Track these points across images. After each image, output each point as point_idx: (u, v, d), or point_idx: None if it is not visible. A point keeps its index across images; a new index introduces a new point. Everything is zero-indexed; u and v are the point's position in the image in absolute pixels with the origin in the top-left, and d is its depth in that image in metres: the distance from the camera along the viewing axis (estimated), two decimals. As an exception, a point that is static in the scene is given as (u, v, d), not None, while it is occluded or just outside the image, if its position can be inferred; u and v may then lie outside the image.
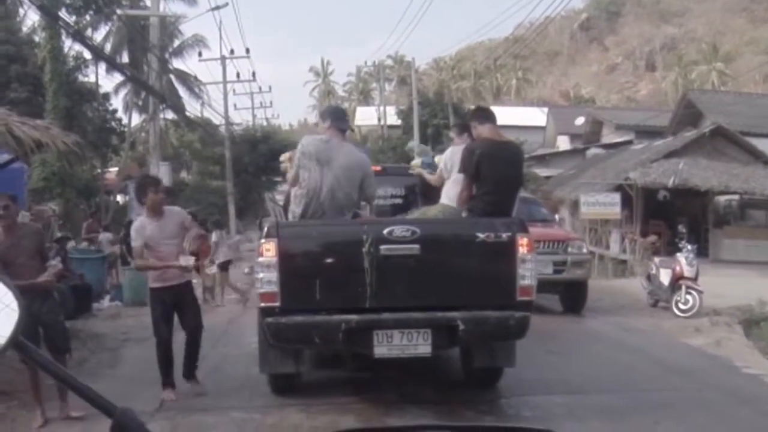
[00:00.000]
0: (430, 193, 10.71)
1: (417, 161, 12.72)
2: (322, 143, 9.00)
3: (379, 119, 64.98)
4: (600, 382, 10.53)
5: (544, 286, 13.90)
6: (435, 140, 42.96)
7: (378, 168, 11.70)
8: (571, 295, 17.46)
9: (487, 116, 9.82)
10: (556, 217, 18.65)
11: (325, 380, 10.61)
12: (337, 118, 9.41)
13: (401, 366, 9.64)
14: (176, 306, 9.93)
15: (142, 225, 9.91)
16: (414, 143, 15.22)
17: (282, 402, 9.38)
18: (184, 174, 58.29)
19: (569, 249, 17.35)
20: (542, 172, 43.70)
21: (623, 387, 10.31)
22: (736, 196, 32.08)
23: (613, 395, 9.89)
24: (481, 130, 9.50)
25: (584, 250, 18.11)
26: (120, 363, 12.14)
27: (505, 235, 8.41)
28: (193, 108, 54.77)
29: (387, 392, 9.69)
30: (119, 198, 39.07)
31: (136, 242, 9.87)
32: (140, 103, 45.21)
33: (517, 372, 9.73)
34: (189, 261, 9.96)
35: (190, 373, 10.16)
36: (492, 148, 9.45)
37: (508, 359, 9.43)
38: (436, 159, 11.64)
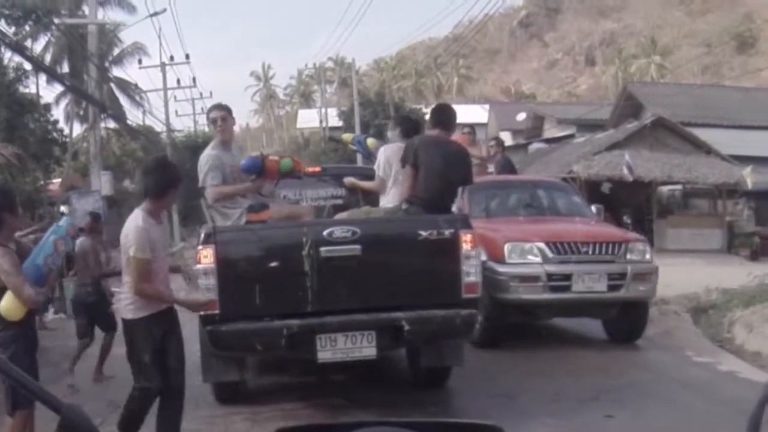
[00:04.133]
0: (370, 197, 10.54)
1: (348, 136, 12.58)
2: None
3: (321, 121, 65.02)
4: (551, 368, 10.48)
5: (592, 308, 12.45)
6: (378, 140, 42.91)
7: (317, 168, 11.56)
8: (628, 320, 12.47)
9: (437, 121, 9.91)
10: (593, 208, 14.40)
11: (270, 387, 10.42)
12: None
13: (348, 369, 9.50)
14: (162, 340, 7.45)
15: (144, 227, 7.12)
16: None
17: (227, 411, 9.18)
18: (127, 183, 57.70)
19: (629, 255, 12.11)
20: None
21: (572, 377, 10.24)
22: (679, 186, 32.36)
23: (561, 386, 9.82)
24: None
25: (648, 256, 12.52)
26: (66, 377, 11.84)
27: (447, 232, 8.28)
28: (134, 116, 54.37)
29: (334, 396, 9.55)
30: (63, 208, 38.56)
31: (142, 253, 7.03)
32: (81, 113, 44.70)
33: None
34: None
35: None
36: (432, 140, 9.57)
37: (457, 358, 9.33)
38: (369, 142, 11.51)
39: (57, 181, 42.24)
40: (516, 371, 10.75)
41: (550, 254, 11.77)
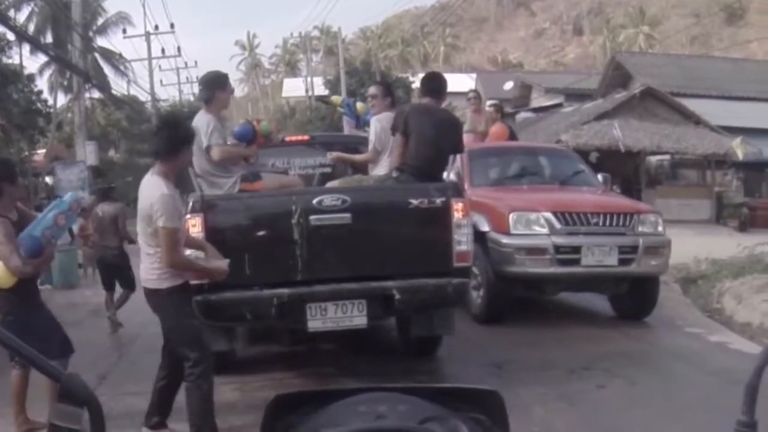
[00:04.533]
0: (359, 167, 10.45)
1: (337, 98, 12.44)
2: None
3: (306, 90, 64.86)
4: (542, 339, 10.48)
5: (601, 283, 11.97)
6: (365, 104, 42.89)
7: (306, 137, 11.46)
8: (637, 296, 11.98)
9: (428, 90, 9.84)
10: (600, 177, 13.87)
11: (260, 356, 10.38)
12: None
13: (338, 338, 9.45)
14: None
15: (170, 194, 6.81)
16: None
17: (217, 381, 8.96)
18: (112, 152, 57.52)
19: (640, 227, 11.54)
20: (472, 137, 43.71)
21: (563, 347, 10.26)
22: (668, 156, 32.37)
23: (552, 355, 9.85)
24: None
25: (660, 229, 11.84)
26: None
27: (439, 201, 8.20)
28: (119, 86, 54.28)
29: (324, 365, 9.54)
30: (48, 179, 38.40)
31: (172, 222, 6.74)
32: (66, 83, 44.48)
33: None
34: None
35: (164, 416, 7.75)
36: (422, 108, 9.56)
37: (447, 327, 9.24)
38: (358, 106, 11.42)
39: (42, 152, 42.18)
40: (505, 341, 10.77)
41: (557, 225, 11.22)
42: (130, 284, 13.58)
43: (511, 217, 11.30)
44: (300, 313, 7.95)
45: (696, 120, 32.39)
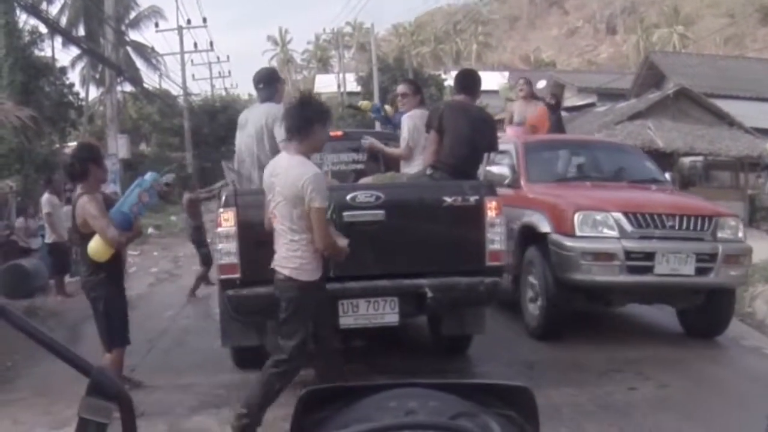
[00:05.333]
0: (391, 163, 10.43)
1: (367, 103, 12.47)
2: None
3: (339, 86, 64.95)
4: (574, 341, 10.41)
5: (675, 294, 10.77)
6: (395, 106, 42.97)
7: (339, 133, 11.42)
8: (711, 310, 10.75)
9: (462, 87, 9.72)
10: (667, 175, 12.74)
11: (290, 352, 10.34)
12: None
13: (370, 335, 9.42)
14: None
15: (322, 176, 7.01)
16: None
17: (246, 376, 9.07)
18: (143, 146, 57.87)
19: (719, 233, 10.32)
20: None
21: (595, 347, 10.24)
22: (701, 158, 32.13)
23: (582, 357, 9.83)
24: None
25: (741, 235, 10.62)
26: (81, 340, 11.84)
27: (472, 199, 8.18)
28: (151, 80, 54.56)
29: (355, 362, 9.47)
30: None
31: (324, 203, 6.68)
32: (97, 76, 44.93)
33: None
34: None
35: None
36: (457, 105, 9.49)
37: (478, 326, 9.29)
38: (387, 109, 11.45)
39: (73, 144, 42.40)
40: (536, 341, 10.67)
41: (628, 227, 10.01)
42: (205, 261, 15.52)
43: (577, 216, 10.14)
44: (332, 310, 7.92)
45: (730, 121, 32.21)
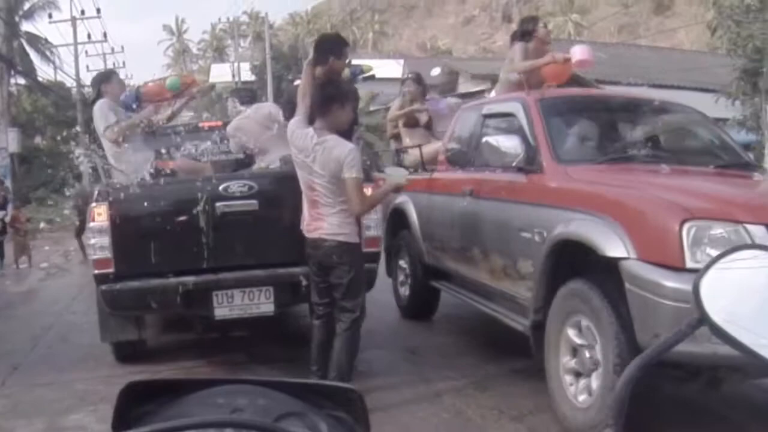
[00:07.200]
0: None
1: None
2: None
3: (233, 76, 64.59)
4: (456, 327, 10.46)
5: None
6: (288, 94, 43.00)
7: (219, 123, 11.32)
8: None
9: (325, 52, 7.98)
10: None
11: (171, 345, 10.30)
12: None
13: (250, 326, 9.42)
14: None
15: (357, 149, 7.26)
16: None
17: (127, 370, 9.04)
18: (38, 139, 56.80)
19: None
20: (399, 122, 43.84)
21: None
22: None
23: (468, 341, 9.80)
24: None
25: None
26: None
27: None
28: (45, 72, 53.51)
29: (235, 353, 9.51)
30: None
31: (361, 173, 7.02)
32: (-10, 69, 43.87)
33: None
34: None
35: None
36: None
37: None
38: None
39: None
40: (428, 332, 10.68)
41: None
42: None
43: (688, 231, 5.42)
44: (206, 301, 7.94)
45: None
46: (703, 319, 1.84)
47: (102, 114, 8.98)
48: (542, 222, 6.88)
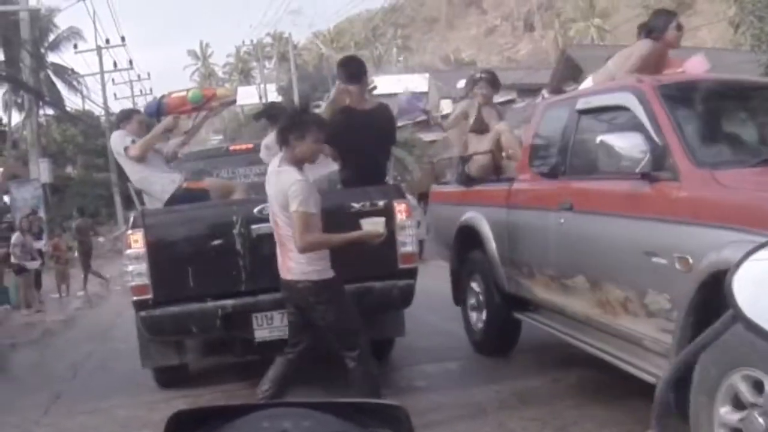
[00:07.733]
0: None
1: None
2: None
3: (260, 97, 64.82)
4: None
5: None
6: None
7: (250, 145, 11.26)
8: None
9: (348, 76, 8.42)
10: None
11: (211, 368, 10.30)
12: None
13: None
14: None
15: (306, 182, 6.65)
16: None
17: (169, 395, 9.10)
18: (69, 169, 57.26)
19: None
20: (426, 136, 43.78)
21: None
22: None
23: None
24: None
25: None
26: (7, 369, 11.77)
27: (381, 203, 8.18)
28: (73, 102, 53.99)
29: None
30: (5, 198, 38.20)
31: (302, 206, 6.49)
32: (20, 101, 44.29)
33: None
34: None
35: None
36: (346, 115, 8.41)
37: (398, 329, 9.30)
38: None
39: (-1, 170, 41.92)
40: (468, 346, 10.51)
41: None
42: None
43: None
44: (246, 324, 7.97)
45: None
46: (737, 316, 1.84)
47: (119, 138, 8.99)
48: (684, 245, 5.38)
